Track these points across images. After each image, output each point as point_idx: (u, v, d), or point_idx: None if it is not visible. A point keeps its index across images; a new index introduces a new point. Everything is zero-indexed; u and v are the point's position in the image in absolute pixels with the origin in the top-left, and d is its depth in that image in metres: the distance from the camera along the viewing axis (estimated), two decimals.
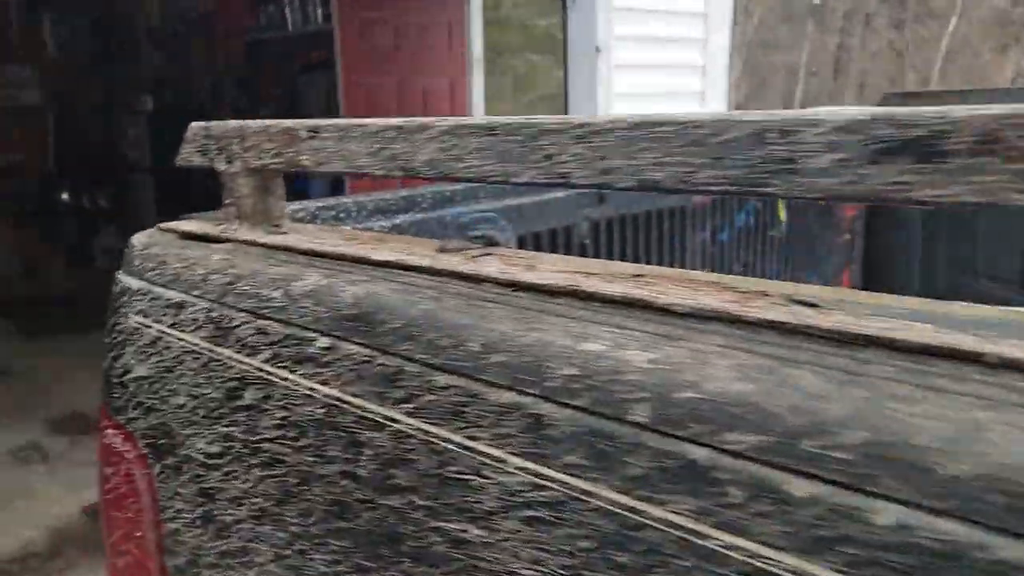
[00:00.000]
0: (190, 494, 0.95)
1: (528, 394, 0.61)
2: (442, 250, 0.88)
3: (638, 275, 0.72)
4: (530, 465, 0.60)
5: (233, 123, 1.04)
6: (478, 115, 6.37)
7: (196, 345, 0.93)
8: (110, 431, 1.07)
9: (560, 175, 0.70)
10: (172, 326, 0.97)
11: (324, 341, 0.78)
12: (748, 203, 2.29)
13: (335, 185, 6.22)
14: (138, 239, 1.11)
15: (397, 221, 1.46)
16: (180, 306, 0.96)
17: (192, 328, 0.94)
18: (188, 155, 1.10)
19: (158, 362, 0.99)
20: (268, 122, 0.99)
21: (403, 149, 0.83)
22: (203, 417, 0.92)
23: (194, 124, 1.10)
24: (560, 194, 1.73)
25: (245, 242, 1.01)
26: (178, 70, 8.57)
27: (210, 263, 0.96)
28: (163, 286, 1.00)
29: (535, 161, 0.72)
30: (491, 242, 0.90)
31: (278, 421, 0.82)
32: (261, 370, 0.84)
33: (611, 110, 4.70)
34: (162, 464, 0.99)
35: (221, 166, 1.05)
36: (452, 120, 0.79)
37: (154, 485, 1.01)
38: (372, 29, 5.54)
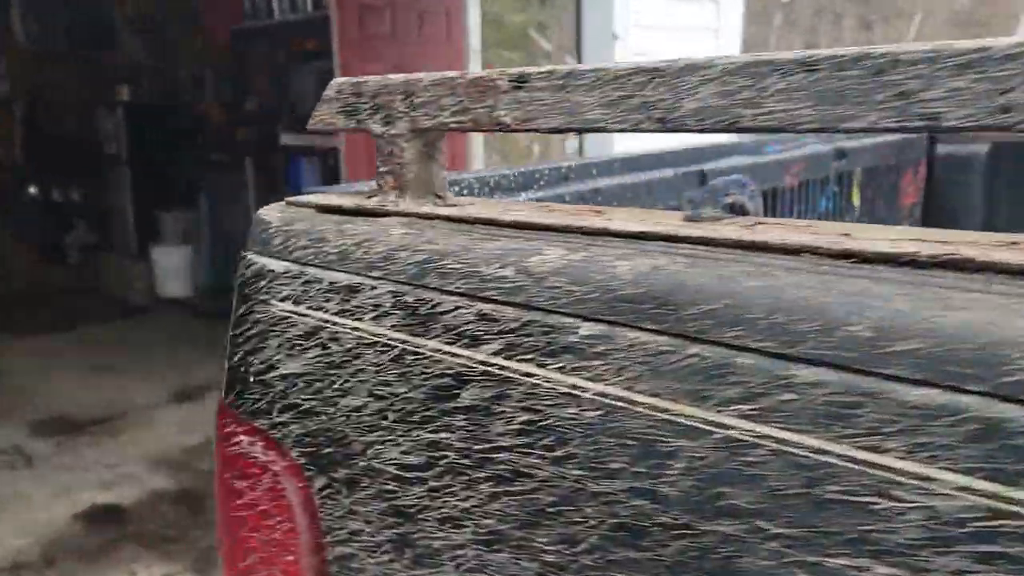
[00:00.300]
0: (375, 513, 0.80)
1: (970, 392, 0.47)
2: (690, 219, 0.74)
3: (1014, 243, 0.59)
4: (983, 485, 0.46)
5: (396, 77, 0.89)
6: None
7: (381, 336, 0.78)
8: (244, 438, 0.92)
9: (922, 116, 0.56)
10: (341, 314, 0.82)
11: (590, 328, 0.64)
12: (828, 188, 2.18)
13: (334, 168, 6.02)
14: (270, 215, 0.95)
15: (520, 199, 1.32)
16: (353, 290, 0.81)
17: (373, 315, 0.79)
18: (327, 117, 0.95)
19: (320, 356, 0.84)
20: (449, 73, 0.84)
21: (661, 96, 0.69)
22: (395, 421, 0.77)
23: (337, 80, 0.95)
24: (667, 174, 1.60)
25: (422, 215, 0.86)
26: (157, 59, 8.31)
27: (392, 239, 0.81)
28: (323, 267, 0.85)
29: (882, 101, 0.58)
30: (742, 210, 0.76)
31: (520, 426, 0.68)
32: (489, 364, 0.70)
33: None
34: (328, 477, 0.84)
35: (377, 128, 0.90)
36: (741, 57, 0.65)
37: (314, 501, 0.85)
38: (369, 16, 5.37)
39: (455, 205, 0.88)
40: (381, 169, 0.92)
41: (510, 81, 0.79)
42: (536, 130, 0.78)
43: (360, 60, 5.25)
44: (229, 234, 7.64)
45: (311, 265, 0.86)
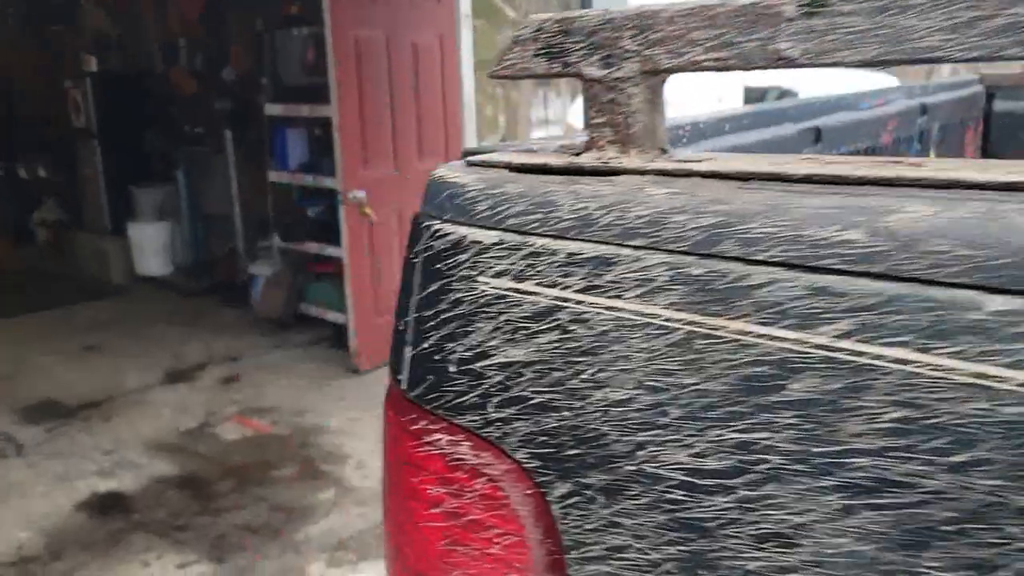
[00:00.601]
0: (650, 526, 0.67)
1: None
2: None
3: None
4: None
5: (623, 9, 0.75)
6: (467, 73, 6.02)
7: (654, 316, 0.65)
8: (442, 437, 0.78)
9: None
10: (589, 291, 0.69)
11: (1006, 302, 0.51)
12: (912, 144, 2.07)
13: (321, 138, 5.81)
14: (461, 177, 0.81)
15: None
16: (606, 263, 0.68)
17: (640, 292, 0.66)
18: (521, 62, 0.81)
19: (559, 342, 0.70)
20: (703, 2, 0.71)
21: None
22: (681, 418, 0.64)
23: (534, 17, 0.81)
24: (790, 130, 1.48)
25: (674, 172, 0.73)
26: (125, 29, 7.98)
27: (657, 200, 0.68)
28: (557, 236, 0.71)
29: None
30: None
31: (891, 424, 0.55)
32: (833, 349, 0.57)
33: None
34: (575, 483, 0.71)
35: (593, 71, 0.77)
36: None
37: (551, 511, 0.72)
38: None
39: (697, 160, 0.75)
40: (596, 120, 0.79)
41: (799, 6, 0.66)
42: (836, 64, 0.65)
43: (352, 24, 5.05)
44: (208, 209, 7.41)
45: (537, 234, 0.73)
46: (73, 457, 4.42)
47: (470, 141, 6.14)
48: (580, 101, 13.82)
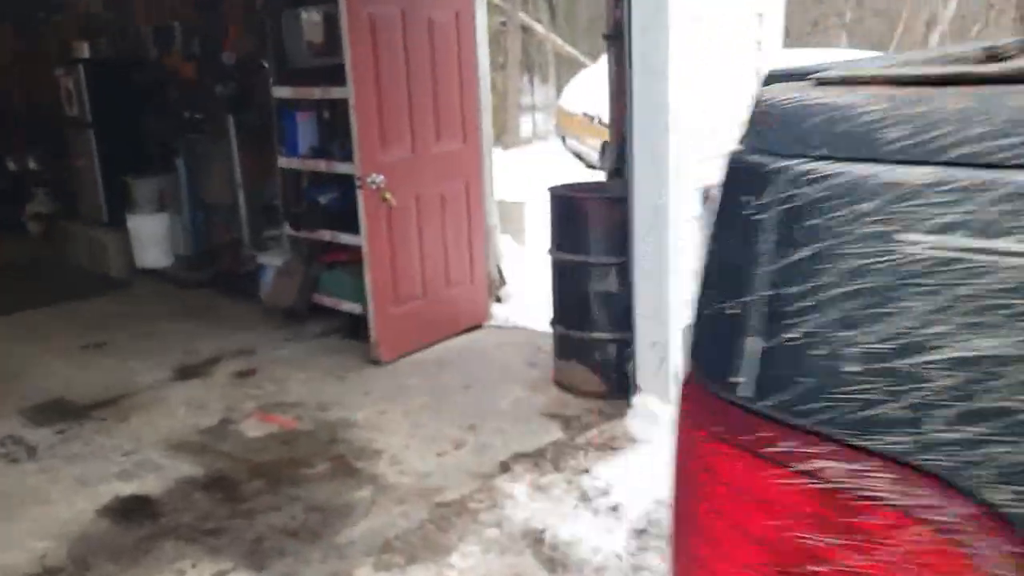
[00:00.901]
0: None
1: None
2: None
3: None
4: None
5: None
6: (482, 50, 5.76)
7: None
8: (831, 465, 0.56)
9: None
10: None
11: None
12: None
13: (330, 121, 5.57)
14: (826, 98, 0.58)
15: None
16: None
17: None
18: None
19: None
20: None
21: None
22: None
23: None
24: None
25: None
26: (117, 13, 7.65)
27: None
28: None
29: None
30: None
31: None
32: None
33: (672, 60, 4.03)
34: None
35: None
36: None
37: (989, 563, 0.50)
38: None
39: None
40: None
41: None
42: None
43: (366, 0, 4.77)
44: (209, 198, 7.10)
45: (1019, 167, 0.50)
46: (90, 459, 4.17)
47: (486, 120, 5.89)
48: (571, 85, 13.44)
